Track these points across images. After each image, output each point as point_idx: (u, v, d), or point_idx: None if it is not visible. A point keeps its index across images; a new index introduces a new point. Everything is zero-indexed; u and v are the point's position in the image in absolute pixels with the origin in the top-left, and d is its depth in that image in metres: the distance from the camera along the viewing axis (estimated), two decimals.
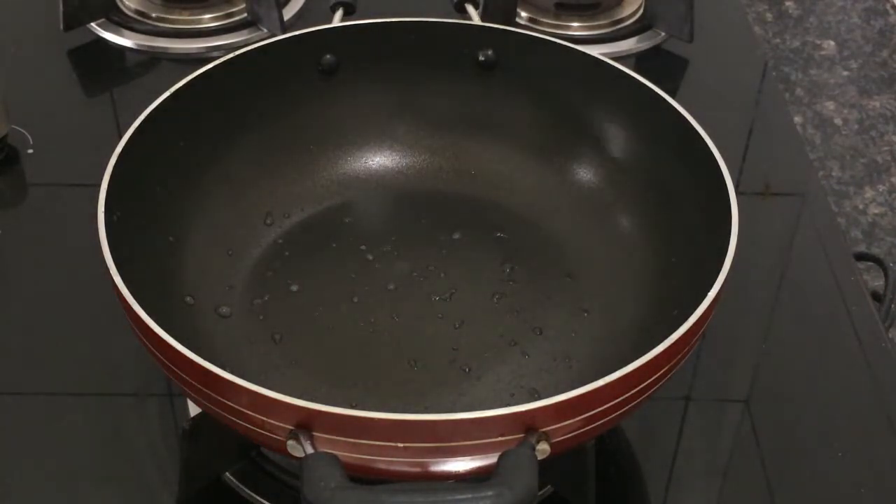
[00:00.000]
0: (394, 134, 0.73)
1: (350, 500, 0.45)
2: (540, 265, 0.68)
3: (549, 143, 0.72)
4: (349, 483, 0.46)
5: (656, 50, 0.95)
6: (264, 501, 0.60)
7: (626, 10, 0.97)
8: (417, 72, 0.72)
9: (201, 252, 0.65)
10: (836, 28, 1.18)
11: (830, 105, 1.07)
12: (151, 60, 0.92)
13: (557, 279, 0.67)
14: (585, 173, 0.70)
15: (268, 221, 0.69)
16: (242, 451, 0.60)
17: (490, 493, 0.45)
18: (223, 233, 0.67)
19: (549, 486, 0.59)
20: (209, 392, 0.50)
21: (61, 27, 0.90)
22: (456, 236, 0.70)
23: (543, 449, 0.48)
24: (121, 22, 0.93)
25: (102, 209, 0.56)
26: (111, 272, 0.53)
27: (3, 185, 0.79)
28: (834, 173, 1.00)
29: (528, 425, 0.48)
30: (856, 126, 1.05)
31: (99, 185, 0.57)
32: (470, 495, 0.45)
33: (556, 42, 0.70)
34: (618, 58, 0.86)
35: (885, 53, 1.15)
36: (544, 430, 0.49)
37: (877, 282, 0.81)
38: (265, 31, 0.93)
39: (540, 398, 0.49)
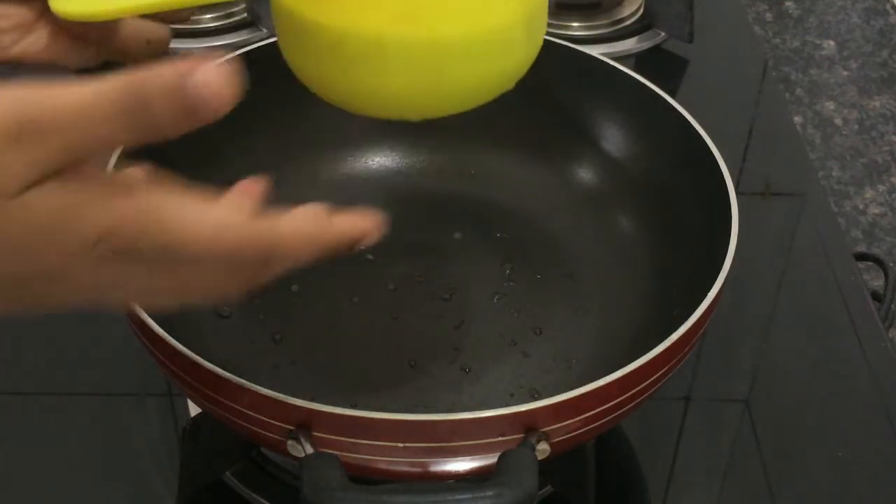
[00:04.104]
0: (394, 134, 0.73)
1: (350, 500, 0.45)
2: (540, 265, 0.68)
3: (549, 142, 0.72)
4: (349, 483, 0.46)
5: (656, 50, 0.95)
6: (264, 501, 0.60)
7: (626, 10, 0.97)
8: None
9: None
10: (836, 28, 1.18)
11: (830, 105, 1.07)
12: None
13: (557, 279, 0.67)
14: (585, 173, 0.70)
15: None
16: (242, 451, 0.60)
17: (490, 493, 0.45)
18: None
19: (549, 486, 0.59)
20: (209, 392, 0.50)
21: None
22: (456, 236, 0.70)
23: (543, 449, 0.48)
24: None
25: None
26: None
27: None
28: (834, 173, 1.00)
29: (528, 425, 0.48)
30: (856, 126, 1.05)
31: None
32: (470, 495, 0.45)
33: (556, 42, 0.70)
34: (618, 58, 0.86)
35: (885, 53, 1.15)
36: (544, 430, 0.49)
37: (877, 282, 0.80)
38: (265, 31, 0.93)
39: (540, 398, 0.49)
